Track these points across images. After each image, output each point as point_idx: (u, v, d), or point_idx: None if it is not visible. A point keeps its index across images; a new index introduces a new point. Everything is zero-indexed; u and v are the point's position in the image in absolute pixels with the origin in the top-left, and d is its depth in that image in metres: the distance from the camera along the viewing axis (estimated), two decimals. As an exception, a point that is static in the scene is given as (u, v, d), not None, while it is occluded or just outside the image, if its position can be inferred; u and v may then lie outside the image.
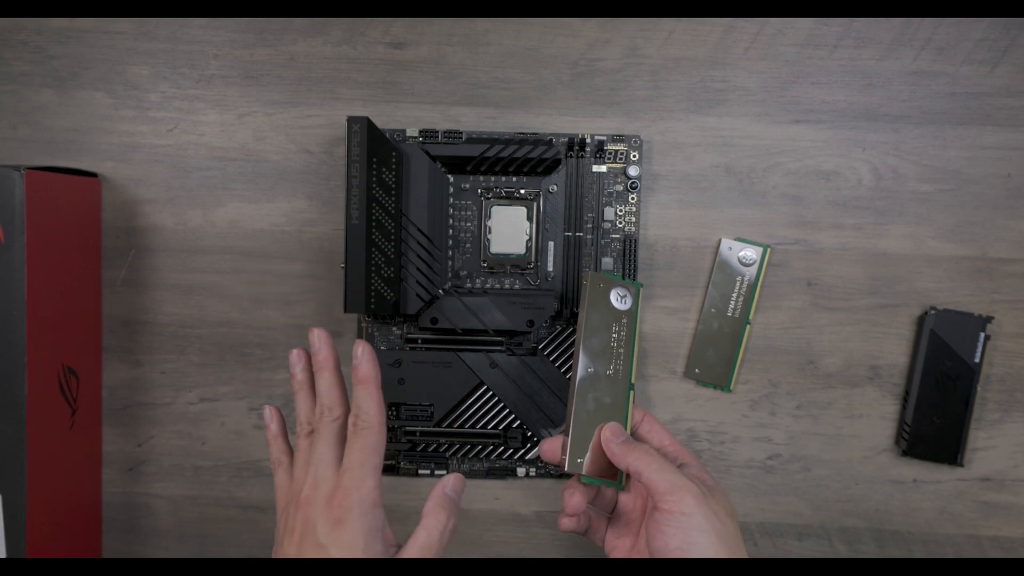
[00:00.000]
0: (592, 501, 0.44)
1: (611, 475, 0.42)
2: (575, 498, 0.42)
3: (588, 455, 0.41)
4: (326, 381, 0.41)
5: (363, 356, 0.40)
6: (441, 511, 0.39)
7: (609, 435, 0.41)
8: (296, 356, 0.42)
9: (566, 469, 0.41)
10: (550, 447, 0.42)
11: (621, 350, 0.43)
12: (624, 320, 0.44)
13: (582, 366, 0.42)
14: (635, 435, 0.43)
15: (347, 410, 0.40)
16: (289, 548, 0.38)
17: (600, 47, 0.52)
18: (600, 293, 0.43)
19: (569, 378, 0.42)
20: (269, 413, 0.43)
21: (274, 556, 0.39)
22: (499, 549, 0.55)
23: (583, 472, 0.41)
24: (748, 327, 0.53)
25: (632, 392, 0.43)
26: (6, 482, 0.47)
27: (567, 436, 0.41)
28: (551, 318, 0.53)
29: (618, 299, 0.44)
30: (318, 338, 0.41)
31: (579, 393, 0.42)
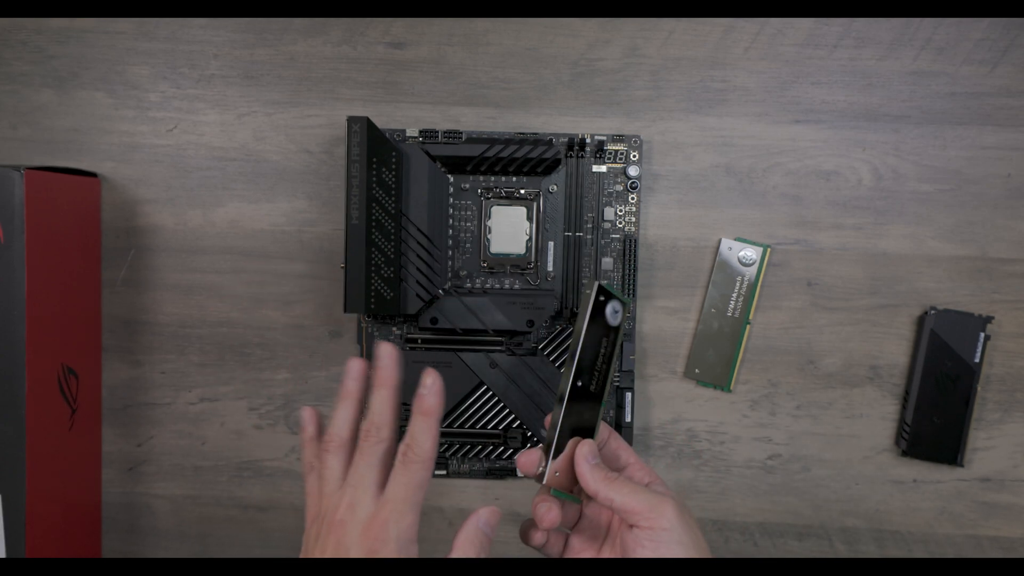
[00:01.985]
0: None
1: (574, 490, 0.40)
2: (552, 513, 0.39)
3: (559, 468, 0.39)
4: (383, 399, 0.38)
5: (431, 388, 0.38)
6: (471, 548, 0.37)
7: (584, 454, 0.39)
8: (355, 365, 0.40)
9: (545, 482, 0.39)
10: (527, 460, 0.40)
11: (604, 365, 0.41)
12: (612, 336, 0.42)
13: (573, 379, 0.40)
14: (602, 452, 0.42)
15: (395, 435, 0.39)
16: None
17: (600, 47, 0.52)
18: (600, 306, 0.41)
19: (560, 388, 0.41)
20: (308, 415, 0.41)
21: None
22: (499, 549, 0.55)
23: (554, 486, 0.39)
24: (748, 327, 0.53)
25: (603, 408, 0.41)
26: (6, 482, 0.47)
27: (551, 448, 0.39)
28: (551, 318, 0.53)
29: (612, 314, 0.41)
30: (387, 355, 0.39)
31: (568, 407, 0.40)
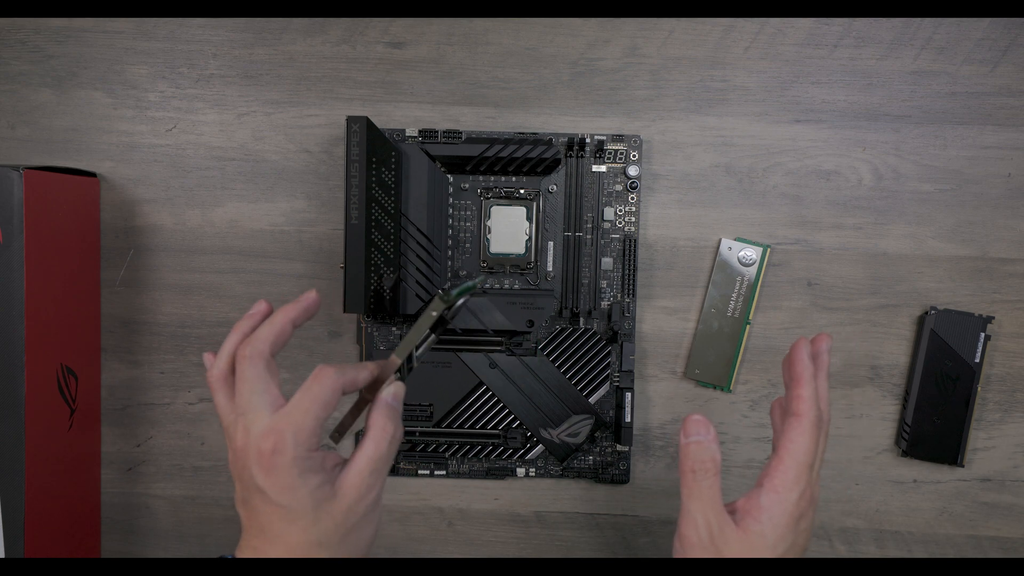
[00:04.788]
0: None
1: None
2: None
3: None
4: (270, 321, 0.38)
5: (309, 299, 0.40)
6: (387, 420, 0.38)
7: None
8: (258, 305, 0.40)
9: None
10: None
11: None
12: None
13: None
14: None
15: (271, 351, 0.38)
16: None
17: (600, 47, 0.52)
18: (443, 317, 0.40)
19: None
20: (208, 360, 0.40)
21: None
22: (499, 549, 0.55)
23: None
24: (748, 327, 0.53)
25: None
26: (5, 482, 0.47)
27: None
28: (551, 318, 0.52)
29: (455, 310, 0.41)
30: (305, 296, 0.40)
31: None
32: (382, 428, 0.37)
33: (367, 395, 0.39)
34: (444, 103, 0.53)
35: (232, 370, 0.38)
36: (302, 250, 0.54)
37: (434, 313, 0.39)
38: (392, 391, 0.39)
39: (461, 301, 0.39)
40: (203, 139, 0.53)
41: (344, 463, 0.37)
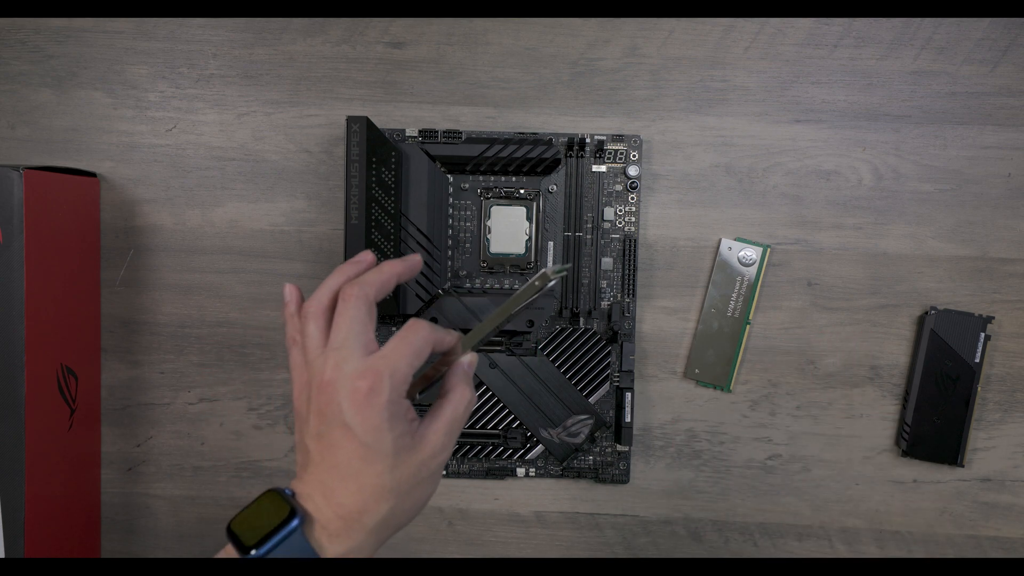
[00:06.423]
0: None
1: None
2: None
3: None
4: (378, 268, 0.39)
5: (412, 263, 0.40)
6: (466, 386, 0.39)
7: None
8: (365, 255, 0.41)
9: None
10: None
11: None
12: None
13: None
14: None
15: (375, 297, 0.39)
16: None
17: (600, 47, 0.52)
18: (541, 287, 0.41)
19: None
20: (289, 290, 0.40)
21: (296, 436, 0.38)
22: (498, 549, 0.55)
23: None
24: (748, 327, 0.53)
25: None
26: (5, 482, 0.47)
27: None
28: (551, 318, 0.52)
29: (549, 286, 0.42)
30: (412, 257, 0.41)
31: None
32: (461, 392, 0.39)
33: (431, 370, 0.41)
34: (444, 103, 0.53)
35: (331, 306, 0.39)
36: (302, 250, 0.54)
37: (537, 282, 0.39)
38: (469, 359, 0.40)
39: (553, 282, 0.39)
40: (203, 139, 0.53)
41: (420, 420, 0.38)
